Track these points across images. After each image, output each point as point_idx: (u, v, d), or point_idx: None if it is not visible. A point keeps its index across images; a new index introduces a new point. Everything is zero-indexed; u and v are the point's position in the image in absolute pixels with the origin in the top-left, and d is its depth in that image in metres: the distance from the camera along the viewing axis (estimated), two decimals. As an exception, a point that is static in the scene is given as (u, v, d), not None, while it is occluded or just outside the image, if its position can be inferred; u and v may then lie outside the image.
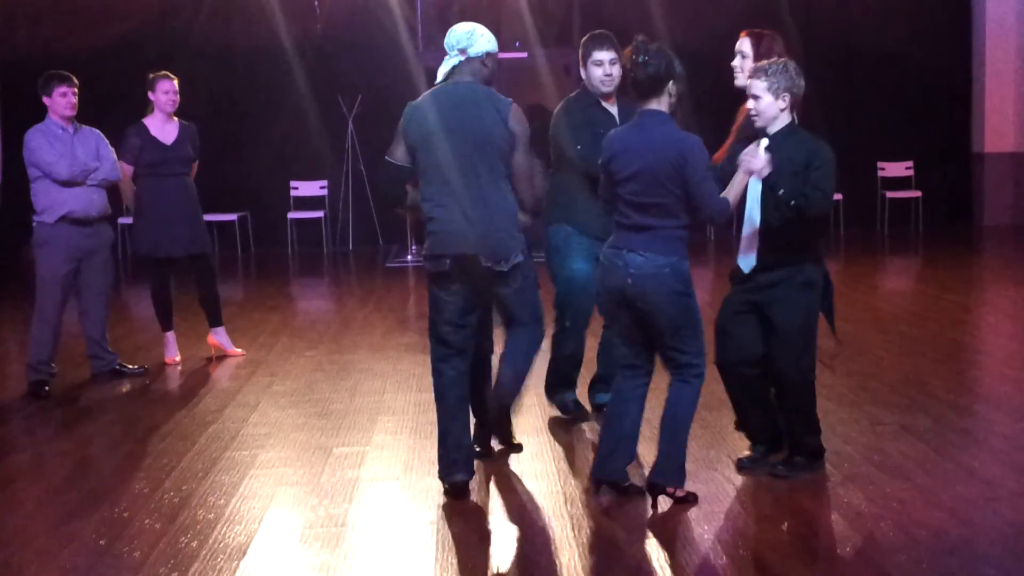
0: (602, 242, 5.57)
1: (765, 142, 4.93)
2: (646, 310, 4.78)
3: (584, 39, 6.07)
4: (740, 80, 5.43)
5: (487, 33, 5.11)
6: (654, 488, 4.86)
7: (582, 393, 6.43)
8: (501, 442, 5.74)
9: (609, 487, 5.00)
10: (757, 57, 5.38)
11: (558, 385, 6.32)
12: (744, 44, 5.52)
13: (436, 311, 5.10)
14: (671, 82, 4.79)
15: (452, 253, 4.94)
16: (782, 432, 5.34)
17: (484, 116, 4.93)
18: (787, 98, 4.97)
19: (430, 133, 4.95)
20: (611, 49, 5.94)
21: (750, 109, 5.04)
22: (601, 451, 5.04)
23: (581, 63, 6.05)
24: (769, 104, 4.97)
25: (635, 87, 4.81)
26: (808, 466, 5.21)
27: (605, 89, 5.97)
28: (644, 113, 4.82)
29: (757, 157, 4.81)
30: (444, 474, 5.12)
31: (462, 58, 5.05)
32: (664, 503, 4.88)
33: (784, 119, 5.01)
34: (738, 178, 4.86)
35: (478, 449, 5.52)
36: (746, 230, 5.04)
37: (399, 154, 5.08)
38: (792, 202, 4.84)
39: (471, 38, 5.05)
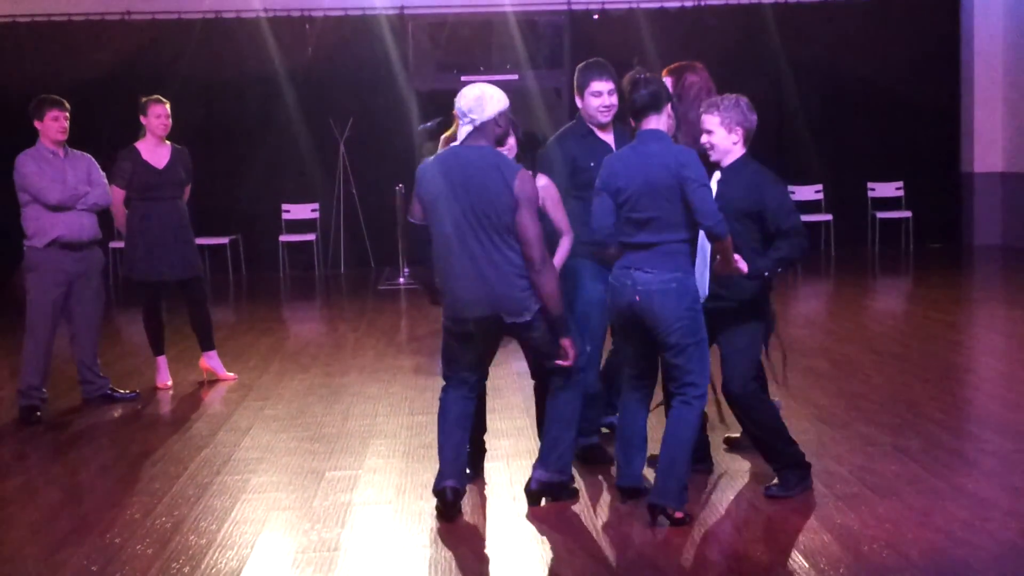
0: (608, 267, 5.61)
1: (717, 175, 5.12)
2: (654, 327, 4.84)
3: (581, 67, 5.93)
4: None
5: (496, 93, 5.09)
6: (654, 509, 4.87)
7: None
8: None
9: (631, 493, 5.07)
10: (677, 90, 5.54)
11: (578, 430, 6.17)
12: (666, 82, 5.62)
13: (450, 354, 5.23)
14: (668, 104, 4.93)
15: (473, 317, 5.02)
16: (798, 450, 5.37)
17: (489, 181, 4.95)
18: (740, 132, 5.11)
19: (438, 196, 5.02)
20: (609, 79, 5.79)
21: (704, 143, 5.18)
22: (619, 460, 5.15)
23: (577, 92, 5.91)
24: (722, 138, 5.11)
25: (632, 109, 4.92)
26: (800, 480, 5.24)
27: (603, 120, 5.83)
28: (641, 134, 4.93)
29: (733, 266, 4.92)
30: (436, 484, 5.15)
31: (473, 127, 5.06)
32: (660, 523, 4.88)
33: (737, 152, 5.14)
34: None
35: (469, 471, 5.53)
36: (699, 262, 5.09)
37: (417, 213, 5.21)
38: (779, 270, 5.05)
39: (480, 105, 5.03)
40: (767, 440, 5.24)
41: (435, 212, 5.03)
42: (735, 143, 5.11)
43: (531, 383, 5.81)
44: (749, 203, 5.04)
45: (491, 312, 4.99)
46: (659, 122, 4.91)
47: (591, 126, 5.88)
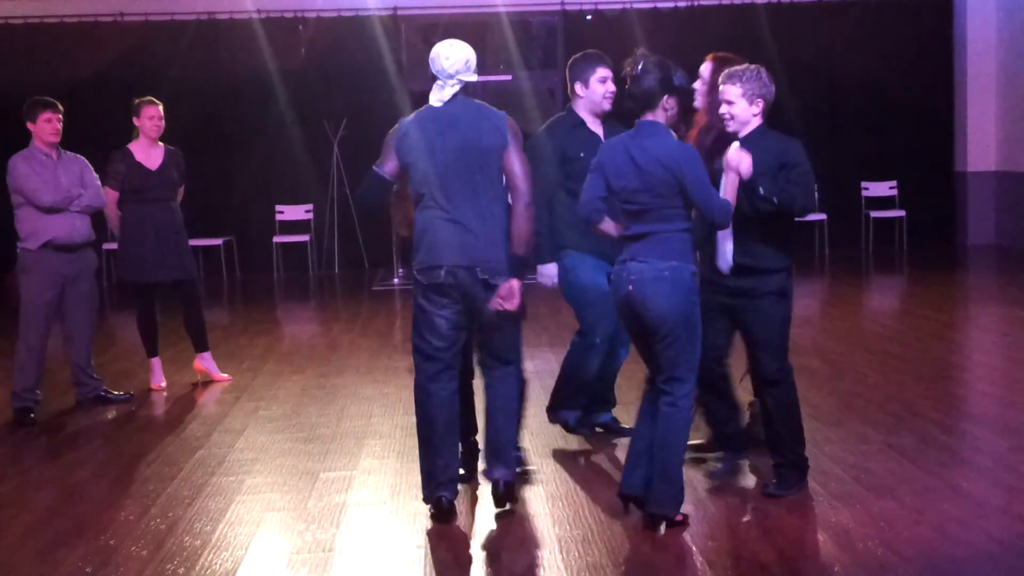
0: (605, 256, 5.63)
1: (737, 145, 5.01)
2: (645, 316, 4.76)
3: (578, 58, 6.08)
4: (698, 102, 5.63)
5: (474, 54, 5.11)
6: (654, 519, 4.83)
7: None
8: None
9: (633, 502, 4.97)
10: (713, 83, 5.55)
11: (562, 405, 6.27)
12: (706, 68, 5.67)
13: (425, 327, 5.06)
14: (667, 96, 4.82)
15: (447, 264, 4.94)
16: (747, 435, 5.48)
17: (481, 130, 4.96)
18: (760, 103, 5.07)
19: (426, 150, 4.97)
20: (612, 67, 5.99)
21: (723, 113, 5.13)
22: (626, 467, 5.02)
23: (579, 81, 6.02)
24: (743, 109, 5.07)
25: (631, 98, 4.85)
26: (799, 481, 5.24)
27: (607, 106, 6.01)
28: (641, 124, 4.85)
29: (742, 157, 4.86)
30: (429, 494, 5.10)
31: (460, 86, 5.06)
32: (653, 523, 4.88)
33: (756, 123, 5.10)
34: (728, 179, 4.90)
35: (462, 472, 5.51)
36: (720, 233, 5.07)
37: (388, 167, 5.11)
38: (775, 199, 4.92)
39: (469, 65, 5.05)
40: (782, 437, 5.21)
41: (423, 166, 4.97)
42: (755, 114, 5.07)
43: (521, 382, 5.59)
44: (769, 166, 4.96)
45: (468, 262, 4.91)
46: (656, 114, 4.82)
47: (583, 117, 5.98)
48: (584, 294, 6.03)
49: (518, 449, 5.58)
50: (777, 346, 5.18)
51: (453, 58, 5.02)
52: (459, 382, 5.27)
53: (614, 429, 6.34)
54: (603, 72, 5.99)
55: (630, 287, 4.77)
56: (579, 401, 6.24)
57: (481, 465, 5.46)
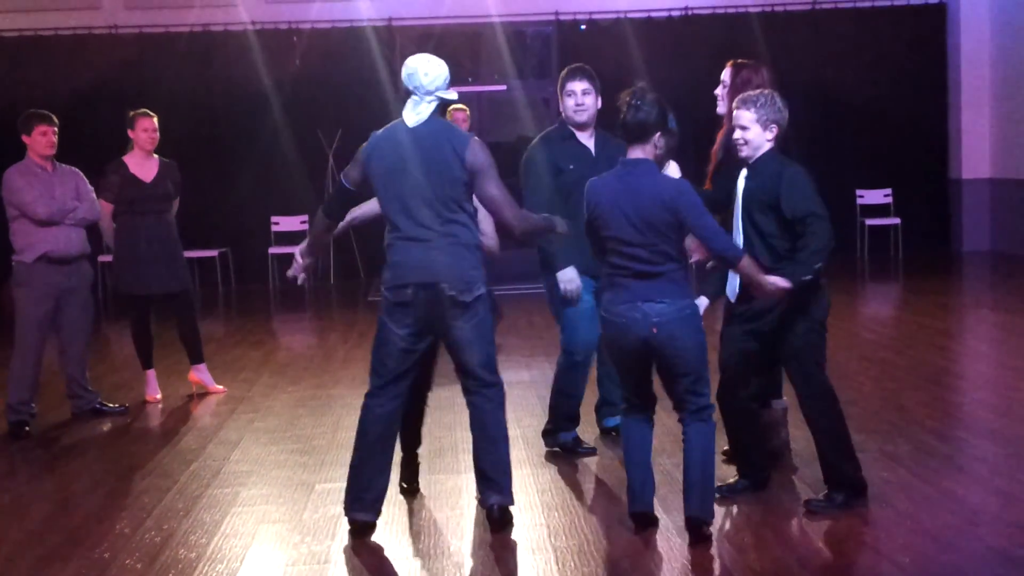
0: (591, 276, 5.65)
1: (744, 172, 5.05)
2: (670, 355, 4.73)
3: (562, 72, 6.19)
4: (721, 108, 5.70)
5: (447, 71, 5.09)
6: (698, 522, 4.78)
7: (583, 427, 6.41)
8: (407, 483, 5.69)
9: (645, 520, 4.95)
10: (733, 87, 5.53)
11: (559, 427, 6.25)
12: (726, 74, 5.79)
13: (379, 341, 5.07)
14: (659, 133, 4.77)
15: (414, 282, 4.92)
16: (767, 472, 5.40)
17: (444, 152, 4.93)
18: (774, 129, 5.06)
19: (392, 167, 4.94)
20: (584, 80, 6.03)
21: (737, 139, 5.10)
22: (633, 486, 4.96)
23: (559, 96, 6.16)
24: (757, 135, 5.05)
25: (623, 128, 4.80)
26: (845, 504, 5.07)
27: (578, 119, 6.06)
28: (627, 163, 4.80)
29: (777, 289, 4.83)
30: (348, 509, 5.09)
31: (438, 103, 5.03)
32: (655, 532, 4.88)
33: (767, 147, 5.08)
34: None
35: (405, 486, 5.58)
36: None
37: (352, 176, 5.09)
38: (818, 264, 4.89)
39: (446, 83, 5.04)
40: (828, 451, 5.12)
41: (389, 183, 4.95)
42: (769, 140, 5.06)
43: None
44: (769, 194, 4.97)
45: (433, 279, 4.88)
46: (645, 150, 4.77)
47: (572, 129, 6.07)
48: (568, 312, 6.05)
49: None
50: (809, 362, 5.09)
51: (432, 74, 4.98)
52: (407, 397, 5.21)
53: (575, 449, 6.26)
54: (570, 86, 6.04)
55: (654, 329, 4.69)
56: (573, 420, 6.24)
57: (474, 491, 5.42)
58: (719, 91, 5.78)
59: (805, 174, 5.07)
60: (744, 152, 5.10)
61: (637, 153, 4.78)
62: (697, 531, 4.78)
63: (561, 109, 6.16)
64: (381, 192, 5.02)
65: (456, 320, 4.96)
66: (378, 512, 5.12)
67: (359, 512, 5.07)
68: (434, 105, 5.01)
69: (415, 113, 5.00)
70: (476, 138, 5.05)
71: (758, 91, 5.18)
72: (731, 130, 5.31)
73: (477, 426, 5.13)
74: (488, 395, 5.08)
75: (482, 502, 5.20)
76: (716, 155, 5.77)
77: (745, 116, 5.05)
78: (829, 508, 5.06)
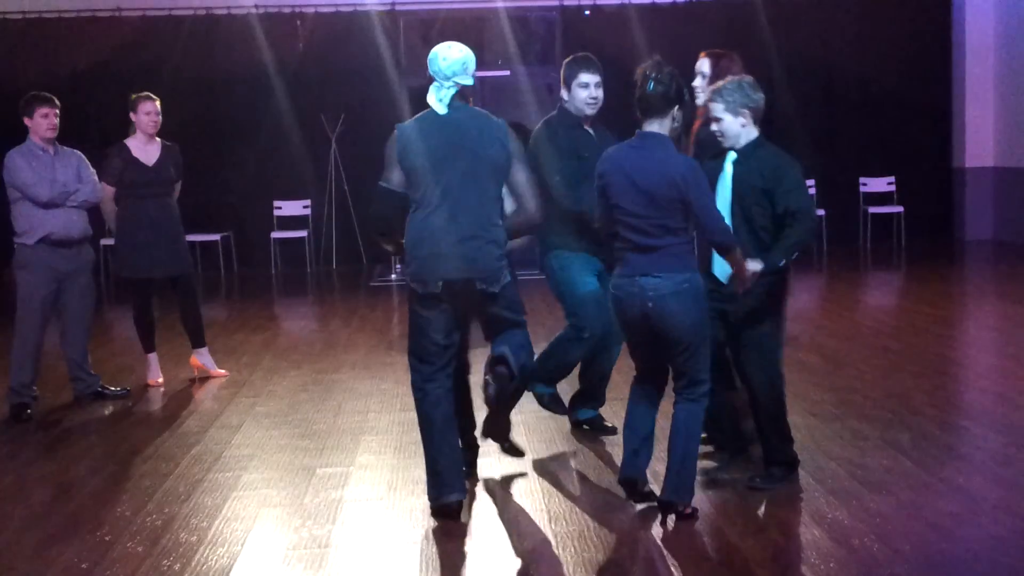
0: (596, 256, 5.66)
1: (733, 155, 5.07)
2: (666, 329, 4.77)
3: (568, 60, 6.09)
4: (701, 99, 5.68)
5: (472, 58, 5.09)
6: (668, 506, 4.85)
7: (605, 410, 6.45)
8: (501, 442, 5.71)
9: (631, 484, 5.02)
10: (714, 76, 5.60)
11: (539, 378, 6.23)
12: (703, 65, 5.79)
13: (420, 332, 5.06)
14: (677, 107, 4.80)
15: (444, 277, 4.91)
16: (745, 439, 5.49)
17: (486, 140, 4.95)
18: (747, 114, 5.08)
19: (429, 157, 4.92)
20: (596, 72, 5.97)
21: (715, 131, 5.16)
22: (626, 452, 5.05)
23: (564, 84, 6.04)
24: (730, 123, 5.08)
25: (641, 102, 4.78)
26: (784, 477, 5.28)
27: (589, 111, 5.98)
28: (644, 135, 4.81)
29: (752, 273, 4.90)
30: (437, 495, 5.04)
31: (456, 89, 5.02)
32: (654, 516, 4.89)
33: (749, 133, 5.11)
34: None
35: (465, 470, 5.51)
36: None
37: (395, 179, 5.04)
38: (794, 255, 5.01)
39: (466, 68, 5.02)
40: (768, 434, 5.25)
41: (425, 174, 4.92)
42: (743, 126, 5.07)
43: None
44: (764, 183, 5.00)
45: (466, 275, 4.90)
46: (663, 124, 4.80)
47: (578, 118, 6.01)
48: (576, 294, 6.04)
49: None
50: (765, 351, 5.19)
51: (450, 59, 4.98)
52: (456, 379, 5.28)
53: (597, 426, 6.35)
54: (584, 77, 5.94)
55: (649, 304, 4.73)
56: (555, 381, 6.30)
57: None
58: (698, 82, 5.72)
59: (799, 168, 5.11)
60: (725, 143, 5.14)
61: (654, 127, 4.80)
62: (670, 512, 4.85)
63: (565, 97, 6.03)
64: (416, 182, 4.96)
65: (487, 307, 5.05)
66: (464, 492, 5.12)
67: (452, 494, 5.02)
68: (453, 91, 5.00)
69: (438, 100, 5.02)
70: (505, 122, 5.09)
71: (726, 79, 5.21)
72: (706, 121, 5.35)
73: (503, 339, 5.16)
74: (520, 329, 5.18)
75: (493, 349, 5.19)
76: (691, 149, 5.73)
77: (715, 108, 5.11)
78: (770, 483, 5.23)
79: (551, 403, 6.34)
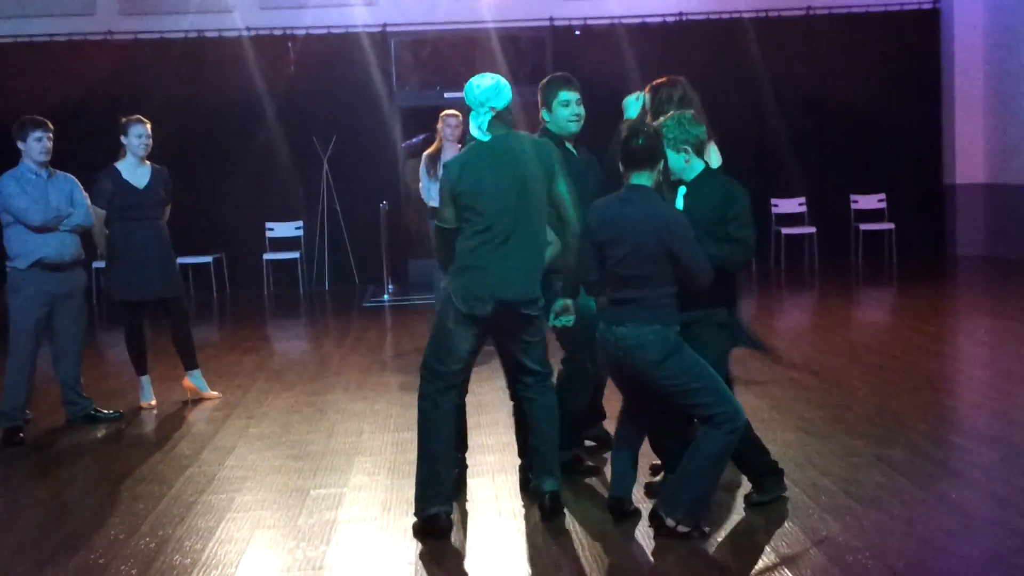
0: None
1: (683, 190, 5.15)
2: (640, 378, 4.90)
3: (544, 82, 5.97)
4: None
5: (507, 84, 5.23)
6: (653, 516, 4.92)
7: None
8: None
9: (618, 504, 5.13)
10: (654, 108, 5.69)
11: (568, 444, 5.94)
12: (647, 99, 5.86)
13: (444, 349, 5.14)
14: (662, 160, 4.95)
15: (495, 299, 5.03)
16: None
17: (534, 162, 5.10)
18: (687, 149, 5.13)
19: (486, 184, 5.04)
20: (576, 89, 5.89)
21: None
22: (615, 474, 5.20)
23: (544, 105, 5.89)
24: (673, 159, 5.14)
25: (629, 155, 4.89)
26: (777, 485, 5.31)
27: (574, 128, 5.89)
28: (632, 188, 4.91)
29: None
30: (426, 506, 5.08)
31: (492, 113, 5.16)
32: (644, 537, 4.89)
33: (696, 166, 5.17)
34: None
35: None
36: None
37: (449, 216, 5.15)
38: (703, 260, 4.98)
39: (497, 93, 5.17)
40: (748, 450, 5.25)
41: (481, 200, 5.03)
42: (687, 161, 5.14)
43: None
44: (714, 213, 5.06)
45: (515, 298, 5.04)
46: (650, 178, 4.90)
47: (561, 138, 5.89)
48: (583, 323, 5.93)
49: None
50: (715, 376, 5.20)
51: (483, 86, 5.19)
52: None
53: (607, 441, 6.27)
54: (565, 96, 5.84)
55: (620, 353, 4.88)
56: (574, 438, 6.01)
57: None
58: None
59: (747, 197, 5.15)
60: (672, 176, 5.19)
61: (642, 180, 4.90)
62: (657, 523, 4.90)
63: (547, 119, 5.90)
64: (472, 207, 5.06)
65: (521, 332, 5.17)
66: (452, 507, 5.19)
67: (440, 504, 5.08)
68: (489, 116, 5.16)
69: (476, 126, 5.19)
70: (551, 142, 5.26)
71: (666, 115, 5.27)
72: None
73: (535, 413, 5.31)
74: (546, 383, 5.31)
75: (536, 488, 5.32)
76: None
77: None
78: (767, 494, 5.26)
79: (578, 467, 6.01)
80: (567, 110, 5.85)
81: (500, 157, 5.09)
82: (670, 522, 4.85)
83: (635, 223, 4.82)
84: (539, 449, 5.31)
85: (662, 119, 5.22)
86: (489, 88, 5.16)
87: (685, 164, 5.14)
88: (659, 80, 5.89)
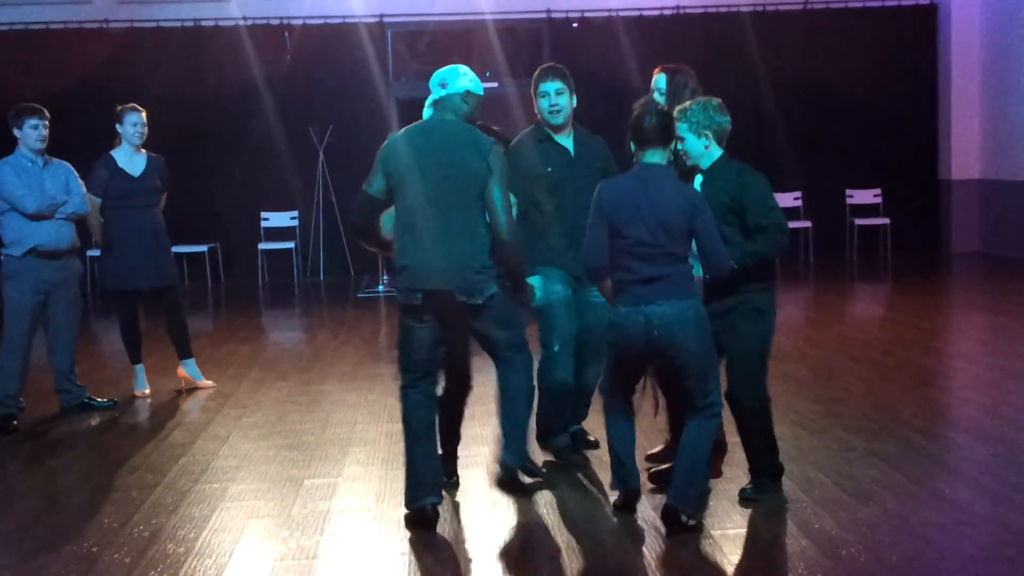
0: (566, 272, 5.67)
1: (700, 178, 5.15)
2: (674, 356, 4.83)
3: (534, 74, 6.02)
4: None
5: (470, 73, 5.22)
6: (672, 512, 4.88)
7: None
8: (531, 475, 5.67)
9: (633, 496, 5.16)
10: (670, 92, 5.62)
11: (549, 429, 6.04)
12: (660, 80, 5.78)
13: (406, 341, 5.15)
14: (674, 139, 4.97)
15: (425, 288, 4.99)
16: (720, 448, 5.53)
17: (465, 153, 5.00)
18: (709, 135, 5.14)
19: (409, 168, 5.00)
20: (557, 79, 5.85)
21: (679, 149, 5.20)
22: (618, 468, 5.16)
23: (533, 97, 5.96)
24: (693, 143, 5.15)
25: (639, 134, 4.87)
26: (774, 486, 5.33)
27: (553, 120, 5.88)
28: (648, 167, 4.88)
29: None
30: (413, 498, 5.10)
31: (443, 93, 5.14)
32: (640, 528, 4.89)
33: (712, 154, 5.17)
34: None
35: (446, 480, 5.54)
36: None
37: (376, 185, 5.12)
38: (749, 263, 5.02)
39: (452, 75, 5.16)
40: (755, 447, 5.28)
41: (405, 184, 5.01)
42: (707, 147, 5.14)
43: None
44: (732, 201, 5.05)
45: (445, 287, 4.97)
46: (663, 156, 4.89)
47: (548, 130, 5.93)
48: (548, 307, 5.89)
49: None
50: (751, 369, 5.22)
51: (440, 71, 5.19)
52: (450, 393, 5.40)
53: (581, 440, 6.19)
54: (543, 87, 5.86)
55: (655, 332, 4.79)
56: (563, 420, 6.05)
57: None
58: (656, 99, 5.67)
59: (766, 182, 5.17)
60: (688, 161, 5.20)
61: (656, 158, 4.88)
62: (673, 520, 4.86)
63: (536, 111, 5.98)
64: (398, 192, 5.05)
65: (472, 321, 5.12)
66: (441, 495, 5.17)
67: (427, 496, 5.08)
68: (437, 95, 5.17)
69: (426, 108, 5.25)
70: (498, 144, 5.13)
71: (691, 101, 5.26)
72: None
73: (501, 389, 5.32)
74: (513, 365, 5.25)
75: (497, 459, 5.43)
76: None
77: (680, 128, 5.15)
78: (761, 492, 5.27)
79: (570, 453, 6.05)
80: (544, 101, 5.88)
81: (434, 144, 5.03)
82: (684, 518, 4.85)
83: (657, 199, 4.78)
84: (503, 424, 5.34)
85: (688, 103, 5.19)
86: (445, 70, 5.17)
87: (704, 151, 5.13)
88: (671, 65, 5.86)
